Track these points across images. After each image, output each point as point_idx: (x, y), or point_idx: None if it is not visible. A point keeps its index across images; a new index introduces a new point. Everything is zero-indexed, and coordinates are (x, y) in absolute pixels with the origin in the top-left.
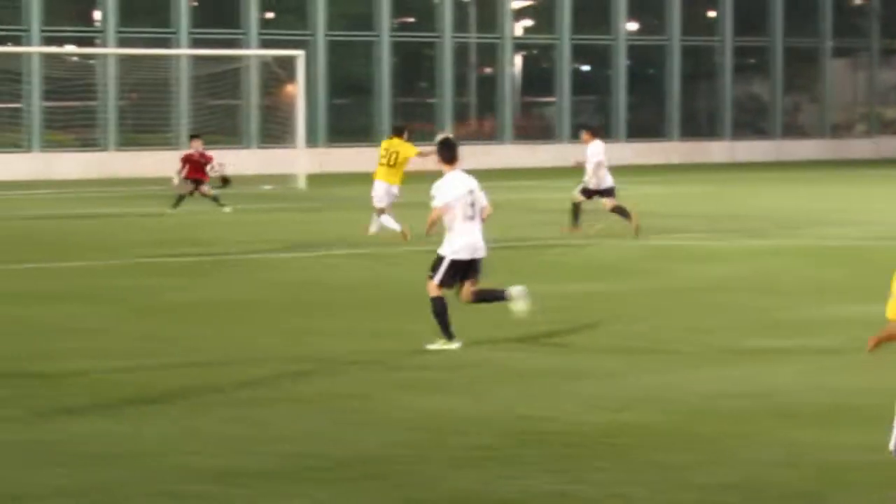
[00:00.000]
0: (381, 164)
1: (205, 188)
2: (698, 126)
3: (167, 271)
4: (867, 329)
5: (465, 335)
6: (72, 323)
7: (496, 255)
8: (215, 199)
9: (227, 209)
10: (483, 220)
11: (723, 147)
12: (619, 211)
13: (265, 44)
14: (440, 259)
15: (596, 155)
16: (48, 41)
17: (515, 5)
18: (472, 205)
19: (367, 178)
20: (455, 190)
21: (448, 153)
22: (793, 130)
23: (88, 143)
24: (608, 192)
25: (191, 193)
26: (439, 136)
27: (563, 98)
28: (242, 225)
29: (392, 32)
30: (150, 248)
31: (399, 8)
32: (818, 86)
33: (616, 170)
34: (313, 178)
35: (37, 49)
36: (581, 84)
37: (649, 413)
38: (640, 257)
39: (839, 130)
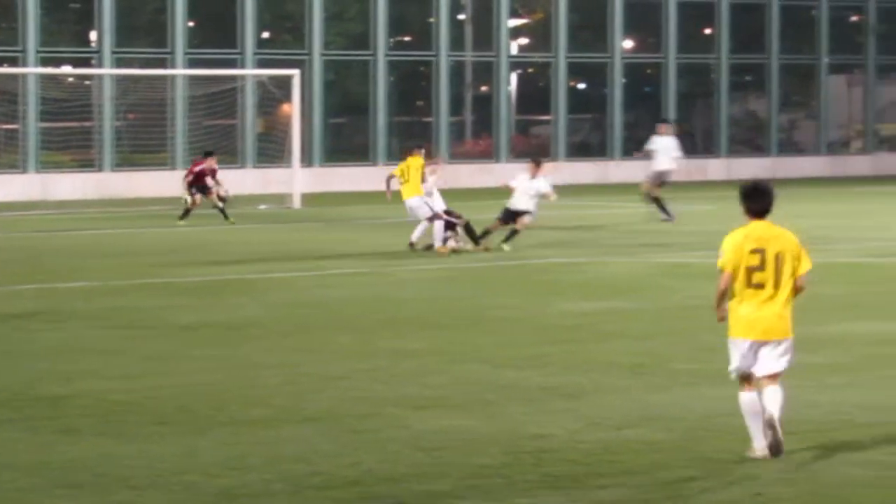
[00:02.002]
0: (402, 183)
1: (210, 194)
2: (694, 144)
3: (171, 292)
4: (867, 346)
5: (471, 353)
6: (78, 344)
7: (504, 272)
8: (222, 210)
9: (232, 220)
10: None
11: (719, 164)
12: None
13: (262, 63)
14: None
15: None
16: (45, 62)
17: (511, 23)
18: None
19: (364, 197)
20: None
21: None
22: (789, 147)
23: (85, 164)
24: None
25: (194, 203)
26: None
27: (559, 116)
28: (241, 244)
29: (388, 51)
30: (153, 269)
31: (395, 27)
32: (815, 103)
33: (614, 188)
34: (310, 198)
35: (33, 70)
36: (577, 102)
37: (652, 431)
38: (645, 275)
39: (836, 147)
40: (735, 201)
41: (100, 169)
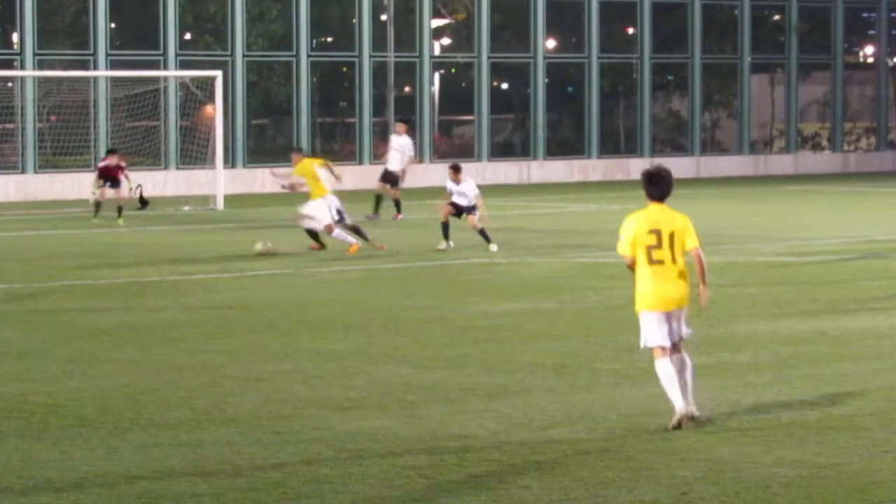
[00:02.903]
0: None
1: (120, 191)
2: (617, 143)
3: (93, 294)
4: (789, 345)
5: (393, 354)
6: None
7: (425, 273)
8: (119, 209)
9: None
10: None
11: (642, 164)
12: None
13: (184, 65)
14: None
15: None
16: None
17: (434, 24)
18: None
19: (285, 199)
20: None
21: None
22: (712, 147)
23: (7, 166)
24: None
25: (102, 194)
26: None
27: (482, 116)
28: (164, 246)
29: (311, 52)
30: (75, 271)
31: (318, 28)
32: (737, 102)
33: (536, 188)
34: (233, 199)
35: None
36: (500, 102)
37: (575, 431)
38: (566, 275)
39: (758, 146)
40: None
41: (22, 171)
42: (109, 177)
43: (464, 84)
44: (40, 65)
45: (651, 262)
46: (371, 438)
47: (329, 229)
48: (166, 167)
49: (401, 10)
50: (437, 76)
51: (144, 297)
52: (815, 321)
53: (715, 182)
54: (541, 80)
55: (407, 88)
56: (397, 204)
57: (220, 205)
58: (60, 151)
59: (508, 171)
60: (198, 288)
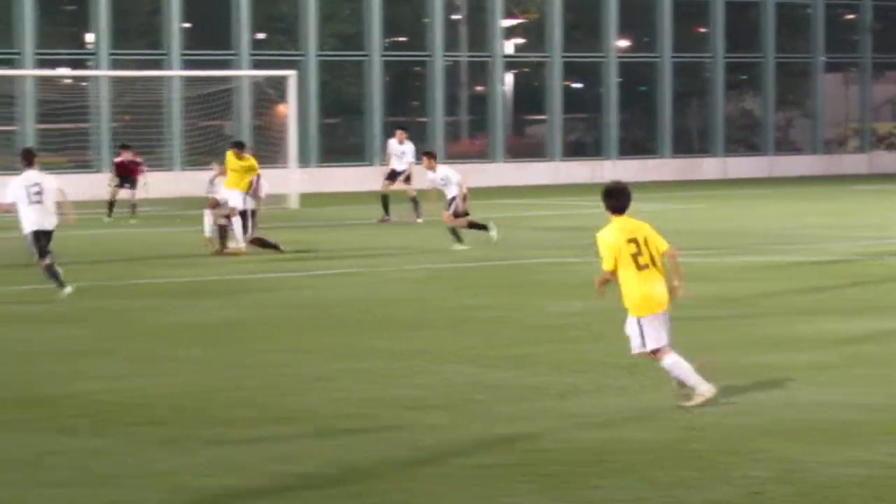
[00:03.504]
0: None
1: (135, 191)
2: (690, 143)
3: (161, 293)
4: (859, 344)
5: (461, 354)
6: (69, 346)
7: (491, 272)
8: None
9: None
10: None
11: (715, 163)
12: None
13: (257, 64)
14: None
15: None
16: (41, 64)
17: (506, 23)
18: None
19: (359, 197)
20: None
21: None
22: (785, 146)
23: (82, 166)
24: None
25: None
26: None
27: (554, 116)
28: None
29: (383, 52)
30: (145, 269)
31: (390, 27)
32: (810, 101)
33: None
34: (306, 198)
35: (30, 72)
36: (572, 102)
37: (646, 430)
38: None
39: (832, 146)
40: (729, 200)
41: (96, 170)
42: (126, 175)
43: (536, 83)
44: (114, 64)
45: (639, 268)
46: (438, 438)
47: (232, 213)
48: None
49: (473, 10)
50: (509, 76)
51: (212, 295)
52: (885, 321)
53: (788, 182)
54: (613, 79)
55: (479, 88)
56: (415, 204)
57: (295, 203)
58: (135, 150)
59: (580, 171)
60: (265, 286)
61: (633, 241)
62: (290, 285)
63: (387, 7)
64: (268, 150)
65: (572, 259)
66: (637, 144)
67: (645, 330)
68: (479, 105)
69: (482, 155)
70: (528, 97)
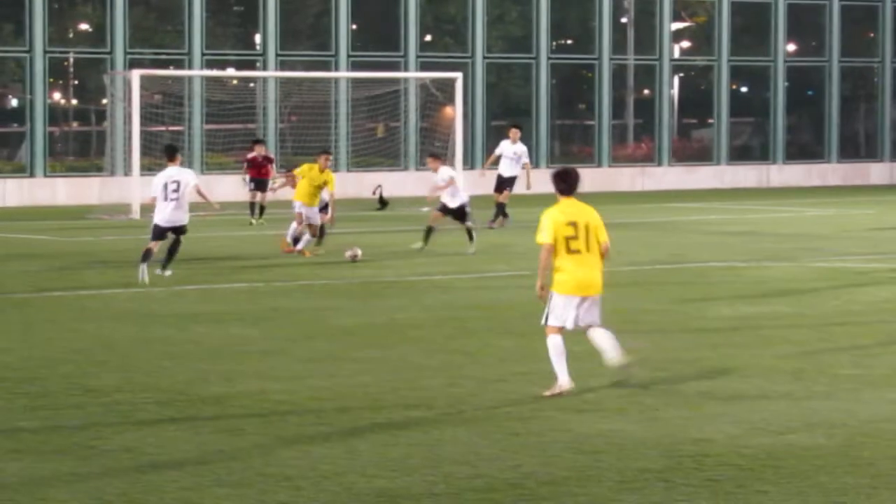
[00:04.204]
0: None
1: (264, 195)
2: (857, 147)
3: (332, 293)
4: None
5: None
6: (240, 345)
7: (660, 275)
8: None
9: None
10: None
11: (882, 169)
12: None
13: (424, 66)
14: None
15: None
16: (210, 65)
17: (674, 27)
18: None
19: (524, 200)
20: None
21: None
22: None
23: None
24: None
25: (253, 196)
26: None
27: (721, 120)
28: (402, 246)
29: (550, 54)
30: (313, 270)
31: (557, 30)
32: None
33: (775, 192)
34: (474, 199)
35: (199, 73)
36: (739, 106)
37: (814, 436)
38: (804, 279)
39: None
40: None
41: None
42: (257, 177)
43: (703, 87)
44: (282, 65)
45: (569, 251)
46: (608, 441)
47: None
48: (406, 168)
49: (640, 13)
50: (676, 79)
51: (383, 296)
52: None
53: None
54: (781, 83)
55: (646, 91)
56: (501, 210)
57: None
58: (301, 151)
59: (747, 175)
60: (436, 288)
61: (573, 224)
62: (461, 286)
63: (554, 10)
64: (434, 151)
65: (739, 263)
66: (804, 149)
67: (553, 305)
68: (646, 108)
69: (648, 158)
70: (695, 101)
